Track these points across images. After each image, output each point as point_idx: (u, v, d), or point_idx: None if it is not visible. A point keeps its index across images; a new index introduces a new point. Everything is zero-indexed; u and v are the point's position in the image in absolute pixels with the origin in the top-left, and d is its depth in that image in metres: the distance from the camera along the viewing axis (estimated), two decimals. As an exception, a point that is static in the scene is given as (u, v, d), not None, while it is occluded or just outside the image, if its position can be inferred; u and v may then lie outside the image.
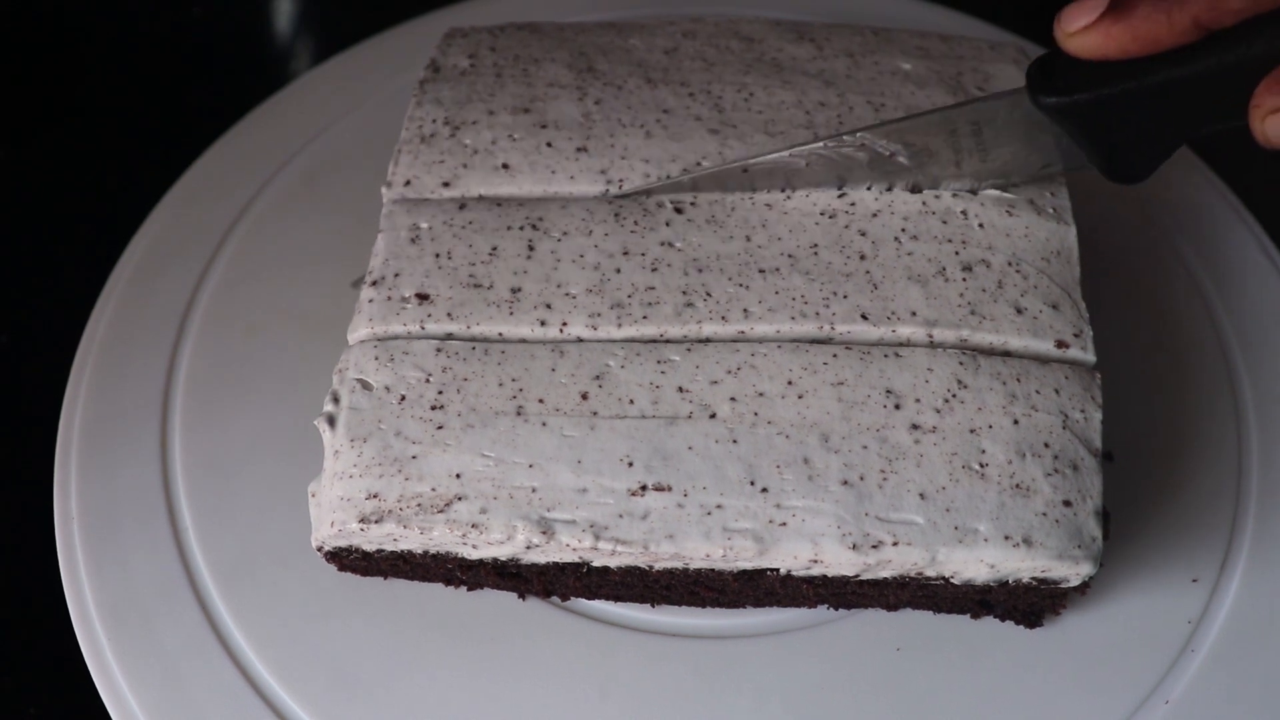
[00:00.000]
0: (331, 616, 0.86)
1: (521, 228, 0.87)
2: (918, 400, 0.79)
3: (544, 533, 0.76)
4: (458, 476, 0.77)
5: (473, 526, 0.76)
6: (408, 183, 0.91)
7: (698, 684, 0.83)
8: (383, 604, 0.86)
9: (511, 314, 0.83)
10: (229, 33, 1.34)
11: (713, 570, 0.79)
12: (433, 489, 0.77)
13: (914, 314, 0.83)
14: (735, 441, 0.78)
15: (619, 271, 0.85)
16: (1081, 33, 0.76)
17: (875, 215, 0.88)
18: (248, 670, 0.83)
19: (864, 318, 0.83)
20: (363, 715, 0.81)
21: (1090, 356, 0.82)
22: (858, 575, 0.78)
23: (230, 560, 0.88)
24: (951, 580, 0.79)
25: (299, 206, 1.08)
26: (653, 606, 0.87)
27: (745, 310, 0.83)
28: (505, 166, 0.91)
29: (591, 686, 0.83)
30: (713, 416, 0.79)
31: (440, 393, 0.80)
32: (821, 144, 0.88)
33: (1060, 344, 0.82)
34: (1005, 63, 0.99)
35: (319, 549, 0.82)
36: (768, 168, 0.89)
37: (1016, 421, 0.79)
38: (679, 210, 0.88)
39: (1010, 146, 0.87)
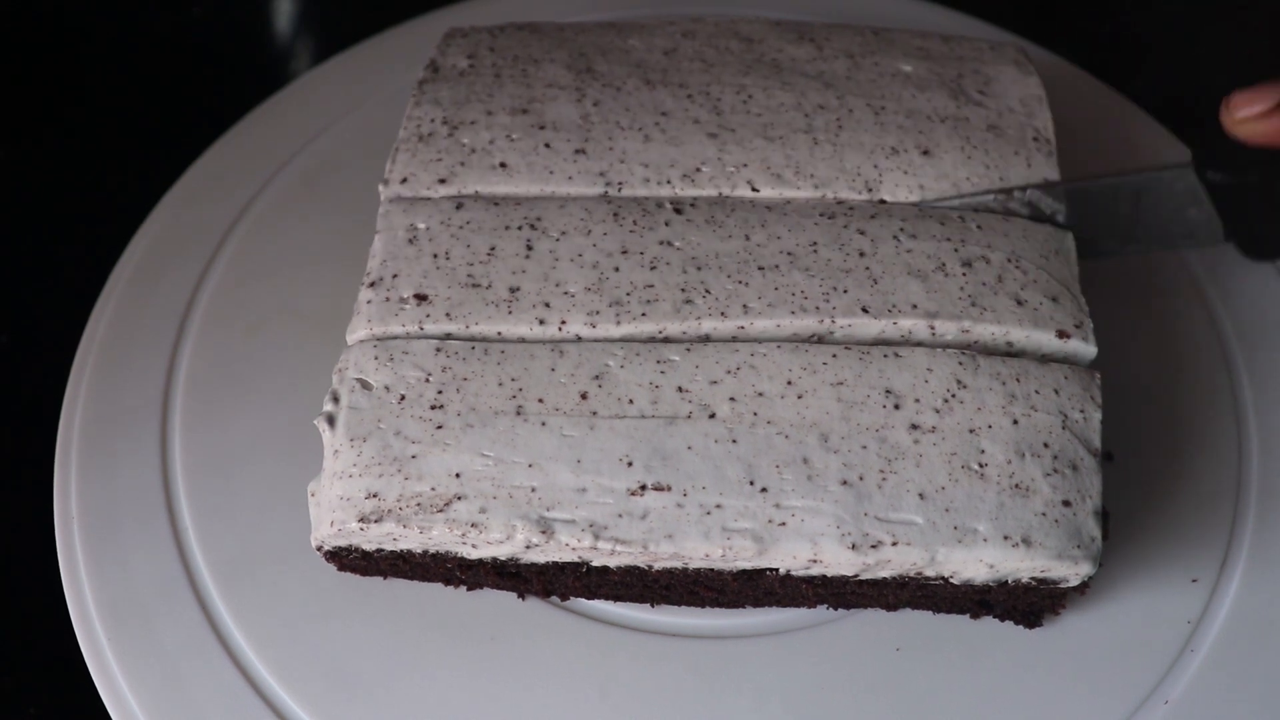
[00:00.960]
0: (331, 616, 0.86)
1: (520, 227, 0.87)
2: (917, 400, 0.79)
3: (543, 532, 0.76)
4: (457, 476, 0.77)
5: (472, 526, 0.76)
6: (404, 180, 0.91)
7: (697, 684, 0.83)
8: (382, 604, 0.86)
9: (510, 313, 0.83)
10: (229, 33, 1.34)
11: (712, 570, 0.79)
12: (432, 488, 0.77)
13: (914, 306, 0.83)
14: (735, 441, 0.78)
15: (618, 270, 0.85)
16: (1251, 120, 0.82)
17: (873, 216, 0.88)
18: (247, 670, 0.83)
19: (864, 311, 0.83)
20: (363, 715, 0.81)
21: (1091, 346, 0.82)
22: (857, 575, 0.78)
23: (230, 560, 0.88)
24: (951, 580, 0.79)
25: (299, 206, 1.08)
26: (652, 606, 0.87)
27: (745, 306, 0.83)
28: (503, 166, 0.91)
29: (591, 686, 0.83)
30: (712, 416, 0.79)
31: (440, 392, 0.80)
32: (991, 197, 0.90)
33: (1061, 334, 0.82)
34: (1005, 64, 0.99)
35: (319, 548, 0.82)
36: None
37: (1016, 421, 0.79)
38: (678, 210, 0.88)
39: (1161, 217, 0.90)
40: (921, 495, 0.76)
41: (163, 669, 0.83)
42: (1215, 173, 0.87)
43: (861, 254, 0.86)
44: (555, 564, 0.80)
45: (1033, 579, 0.78)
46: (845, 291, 0.84)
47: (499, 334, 0.83)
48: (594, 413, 0.79)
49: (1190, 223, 0.91)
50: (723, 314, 0.83)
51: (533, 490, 0.77)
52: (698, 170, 0.91)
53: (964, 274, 0.84)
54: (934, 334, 0.82)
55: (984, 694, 0.82)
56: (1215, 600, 0.87)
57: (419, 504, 0.77)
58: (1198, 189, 0.88)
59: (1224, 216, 0.89)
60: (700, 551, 0.76)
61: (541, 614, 0.86)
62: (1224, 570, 0.88)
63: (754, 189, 0.90)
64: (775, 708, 0.82)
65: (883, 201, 0.90)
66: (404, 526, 0.77)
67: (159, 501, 0.91)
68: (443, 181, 0.91)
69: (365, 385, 0.81)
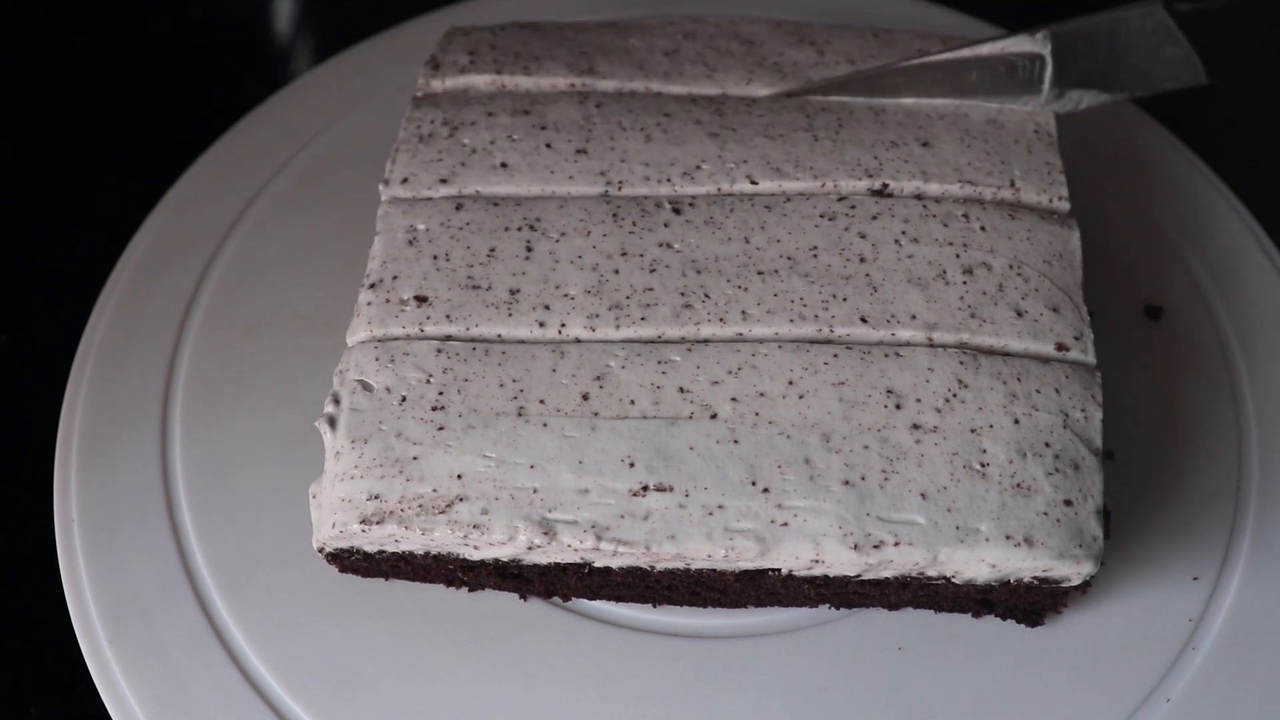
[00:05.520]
0: (332, 616, 0.86)
1: (519, 228, 0.87)
2: (918, 400, 0.79)
3: (545, 533, 0.76)
4: (459, 477, 0.77)
5: (474, 527, 0.76)
6: (405, 180, 0.91)
7: (699, 684, 0.83)
8: (383, 604, 0.86)
9: (510, 315, 0.83)
10: (229, 33, 1.34)
11: (714, 570, 0.79)
12: (434, 490, 0.77)
13: (914, 317, 0.83)
14: (736, 442, 0.78)
15: (617, 273, 0.85)
16: None
17: (875, 218, 0.87)
18: (248, 670, 0.83)
19: (863, 320, 0.83)
20: (364, 716, 0.81)
21: (1090, 359, 0.82)
22: (859, 575, 0.78)
23: (230, 560, 0.88)
24: (953, 580, 0.79)
25: (299, 206, 1.08)
26: (654, 607, 0.87)
27: (744, 312, 0.83)
28: (504, 166, 0.91)
29: (592, 687, 0.83)
30: (714, 417, 0.79)
31: (441, 393, 0.80)
32: (968, 48, 0.93)
33: (1060, 346, 0.82)
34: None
35: (320, 550, 0.82)
36: (907, 71, 0.93)
37: (1017, 421, 0.79)
38: (677, 211, 0.88)
39: (1138, 58, 0.91)
40: (923, 495, 0.76)
41: (163, 669, 0.83)
42: (1183, 3, 0.89)
43: (862, 259, 0.85)
44: (557, 565, 0.80)
45: (1035, 578, 0.78)
46: (844, 300, 0.84)
47: (499, 336, 0.83)
48: (595, 413, 0.79)
49: (1170, 62, 0.92)
50: (721, 320, 0.83)
51: (535, 491, 0.77)
52: (698, 168, 0.91)
53: (965, 282, 0.84)
54: (932, 344, 0.82)
55: (986, 693, 0.82)
56: (1216, 598, 0.87)
57: (421, 505, 0.77)
58: (1170, 24, 0.90)
59: (1202, 54, 0.90)
60: (703, 552, 0.76)
61: (543, 614, 0.86)
62: (1225, 568, 0.88)
63: (753, 181, 0.90)
64: (777, 707, 0.82)
65: (885, 186, 0.89)
66: (406, 528, 0.77)
67: (159, 501, 0.91)
68: (444, 181, 0.91)
69: (366, 387, 0.81)
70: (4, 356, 1.07)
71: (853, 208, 0.88)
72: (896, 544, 0.75)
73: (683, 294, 0.84)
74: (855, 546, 0.75)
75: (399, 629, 0.85)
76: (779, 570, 0.79)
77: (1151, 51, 0.91)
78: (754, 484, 0.77)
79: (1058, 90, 0.93)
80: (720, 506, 0.76)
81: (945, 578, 0.79)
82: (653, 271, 0.85)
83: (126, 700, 0.82)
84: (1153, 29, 0.90)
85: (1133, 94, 0.94)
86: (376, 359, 0.82)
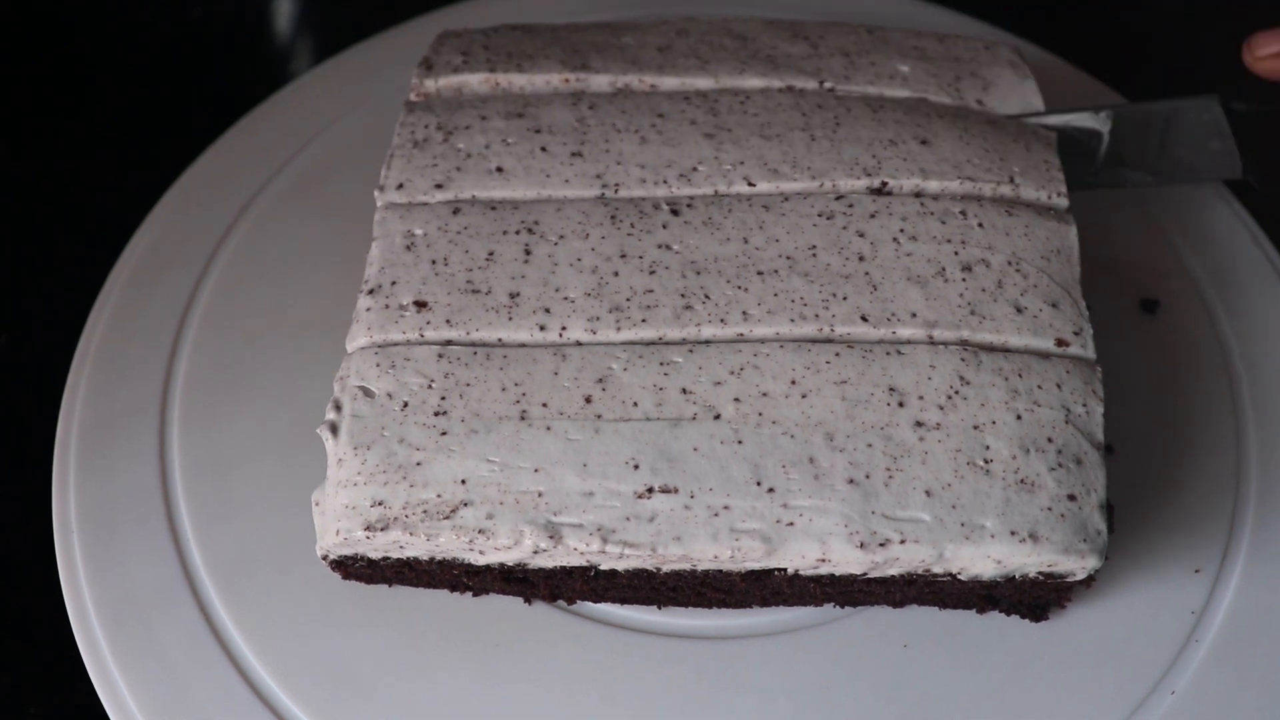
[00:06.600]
0: (332, 619, 0.86)
1: (518, 232, 0.87)
2: (921, 397, 0.79)
3: (551, 537, 0.76)
4: (463, 482, 0.77)
5: (479, 532, 0.76)
6: (400, 185, 0.91)
7: (704, 685, 0.83)
8: (385, 606, 0.86)
9: (510, 319, 0.83)
10: (229, 33, 1.34)
11: (720, 571, 0.79)
12: (438, 495, 0.77)
13: (914, 315, 0.83)
14: (740, 442, 0.78)
15: (617, 275, 0.85)
16: (1271, 58, 0.89)
17: (873, 216, 0.87)
18: (247, 673, 0.83)
19: (864, 319, 0.83)
20: (364, 719, 0.81)
21: (1090, 354, 0.82)
22: (865, 573, 0.78)
23: (229, 562, 0.88)
24: (958, 576, 0.79)
25: (298, 207, 1.08)
26: (659, 608, 0.86)
27: (744, 313, 0.83)
28: (499, 170, 0.91)
29: (597, 689, 0.82)
30: (717, 417, 0.79)
31: (443, 398, 0.80)
32: (1035, 116, 0.96)
33: (1060, 342, 0.82)
34: (1001, 66, 0.99)
35: (324, 558, 0.81)
36: None
37: (1019, 417, 0.79)
38: (675, 212, 0.88)
39: (1185, 148, 0.96)
40: (928, 492, 0.77)
41: (162, 670, 0.83)
42: (1239, 103, 0.94)
43: (861, 258, 0.85)
44: (563, 568, 0.80)
45: (1039, 573, 0.78)
46: (845, 299, 0.83)
47: (500, 340, 0.83)
48: (598, 416, 0.79)
49: (1212, 155, 0.95)
50: (722, 320, 0.83)
51: (539, 495, 0.77)
52: (694, 170, 0.91)
53: (964, 279, 0.84)
54: (932, 341, 0.82)
55: (992, 688, 0.83)
56: (1218, 591, 0.87)
57: (425, 511, 0.77)
58: (1222, 120, 0.95)
59: (1243, 150, 0.94)
60: (709, 553, 0.76)
61: (547, 617, 0.86)
62: (1226, 561, 0.88)
63: (750, 184, 0.90)
64: (783, 707, 0.82)
65: (885, 184, 0.89)
66: (410, 534, 0.77)
67: (158, 503, 0.91)
68: (439, 186, 0.90)
69: (367, 393, 0.81)
70: (3, 356, 1.07)
71: (850, 206, 0.88)
72: (902, 541, 0.76)
73: (683, 295, 0.84)
74: (861, 545, 0.75)
75: (401, 632, 0.85)
76: (785, 570, 0.79)
77: (1199, 144, 0.95)
78: (759, 484, 0.77)
79: (1108, 166, 0.97)
80: (726, 507, 0.76)
81: (950, 574, 0.79)
82: (652, 273, 0.85)
83: (125, 701, 0.82)
84: (1205, 123, 0.95)
85: (1173, 181, 0.98)
86: (377, 365, 0.82)
